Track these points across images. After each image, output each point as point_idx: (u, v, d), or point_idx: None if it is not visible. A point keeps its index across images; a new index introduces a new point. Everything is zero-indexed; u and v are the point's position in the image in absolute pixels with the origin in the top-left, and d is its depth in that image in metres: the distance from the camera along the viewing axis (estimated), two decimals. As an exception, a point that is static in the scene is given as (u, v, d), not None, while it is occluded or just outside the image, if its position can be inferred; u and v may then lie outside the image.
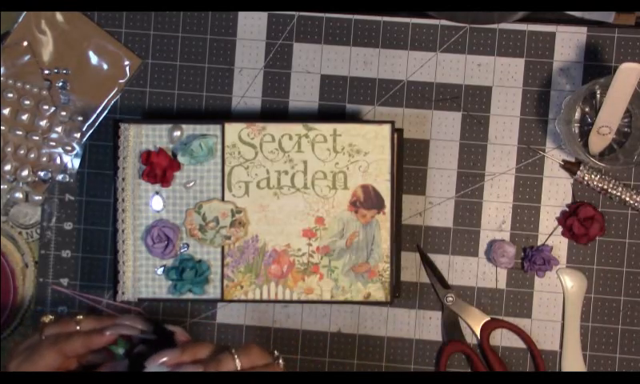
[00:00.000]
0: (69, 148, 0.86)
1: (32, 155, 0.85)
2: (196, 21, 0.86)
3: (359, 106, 0.85)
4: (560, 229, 0.84)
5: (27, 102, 0.85)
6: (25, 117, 0.85)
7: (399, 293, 0.83)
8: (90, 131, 0.86)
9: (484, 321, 0.84)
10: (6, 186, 0.85)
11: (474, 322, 0.84)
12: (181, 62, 0.86)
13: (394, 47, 0.85)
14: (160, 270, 0.82)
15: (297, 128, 0.81)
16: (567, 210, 0.84)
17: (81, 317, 0.74)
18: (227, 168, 0.81)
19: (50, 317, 0.75)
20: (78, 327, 0.73)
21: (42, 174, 0.86)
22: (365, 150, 0.80)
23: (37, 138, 0.85)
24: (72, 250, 0.86)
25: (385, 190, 0.81)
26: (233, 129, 0.81)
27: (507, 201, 0.85)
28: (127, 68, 0.86)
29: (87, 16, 0.86)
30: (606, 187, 0.83)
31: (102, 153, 0.86)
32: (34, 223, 0.86)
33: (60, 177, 0.86)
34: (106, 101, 0.86)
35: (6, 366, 0.71)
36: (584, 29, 0.84)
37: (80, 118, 0.86)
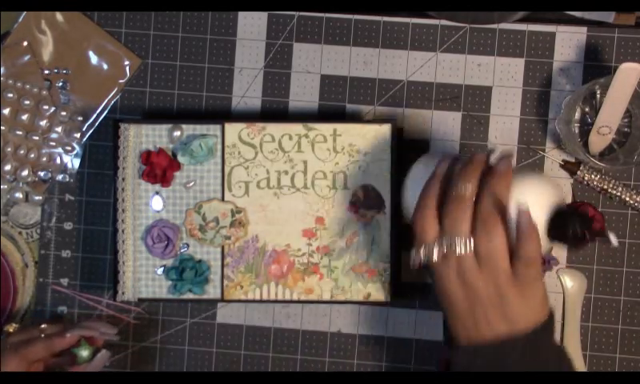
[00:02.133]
0: (69, 148, 0.86)
1: (32, 155, 0.85)
2: (196, 21, 0.86)
3: (359, 106, 0.85)
4: (560, 229, 0.84)
5: (27, 102, 0.85)
6: (25, 117, 0.85)
7: (399, 293, 0.83)
8: (90, 131, 0.86)
9: (484, 321, 0.84)
10: (6, 186, 0.85)
11: (474, 322, 0.84)
12: (181, 62, 0.86)
13: (394, 47, 0.85)
14: (160, 270, 0.82)
15: (297, 128, 0.81)
16: (567, 210, 0.84)
17: (45, 325, 0.77)
18: (227, 168, 0.81)
19: (15, 325, 0.77)
20: (42, 335, 0.75)
21: (42, 174, 0.86)
22: (365, 150, 0.80)
23: (37, 137, 0.85)
24: (72, 249, 0.86)
25: (385, 190, 0.81)
26: (233, 129, 0.81)
27: (507, 201, 0.85)
28: (127, 68, 0.86)
29: (87, 16, 0.86)
30: (605, 187, 0.83)
31: (101, 153, 0.86)
32: (34, 223, 0.86)
33: (60, 177, 0.86)
34: (106, 101, 0.86)
35: None
36: (584, 29, 0.84)
37: (80, 118, 0.86)
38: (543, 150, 0.85)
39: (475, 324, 0.60)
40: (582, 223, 0.55)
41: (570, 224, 0.56)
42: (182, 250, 0.81)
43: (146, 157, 0.80)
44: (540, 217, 0.58)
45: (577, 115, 0.82)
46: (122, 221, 0.81)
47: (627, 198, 0.83)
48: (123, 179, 0.81)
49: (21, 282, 0.86)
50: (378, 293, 0.81)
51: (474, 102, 0.85)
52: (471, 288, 0.60)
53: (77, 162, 0.86)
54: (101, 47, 0.86)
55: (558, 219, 0.58)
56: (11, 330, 0.77)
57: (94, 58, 0.86)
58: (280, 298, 0.82)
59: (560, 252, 0.84)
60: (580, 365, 0.84)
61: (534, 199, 0.58)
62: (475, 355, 0.60)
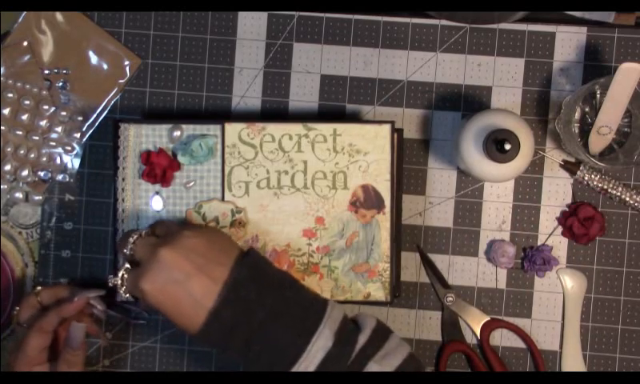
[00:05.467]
0: (69, 148, 0.86)
1: (32, 155, 0.85)
2: (196, 21, 0.86)
3: (359, 106, 0.85)
4: (560, 229, 0.84)
5: (27, 102, 0.85)
6: (25, 117, 0.85)
7: (399, 293, 0.83)
8: (90, 131, 0.86)
9: (484, 321, 0.84)
10: (6, 186, 0.85)
11: (473, 321, 0.84)
12: (181, 62, 0.86)
13: (394, 47, 0.85)
14: (160, 270, 0.82)
15: (297, 128, 0.81)
16: (567, 209, 0.84)
17: (39, 288, 0.78)
18: (227, 168, 0.81)
19: (16, 308, 0.78)
20: (38, 298, 0.77)
21: (41, 173, 0.86)
22: (365, 150, 0.80)
23: (37, 137, 0.85)
24: (72, 249, 0.86)
25: (385, 190, 0.81)
26: (233, 129, 0.81)
27: (507, 201, 0.85)
28: (127, 68, 0.86)
29: (87, 16, 0.86)
30: (605, 187, 0.83)
31: (101, 153, 0.86)
32: (34, 223, 0.86)
33: (60, 177, 0.86)
34: (106, 101, 0.86)
35: (10, 365, 0.75)
36: (584, 29, 0.84)
37: (80, 118, 0.86)
38: (543, 150, 0.85)
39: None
40: (498, 142, 0.73)
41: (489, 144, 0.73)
42: (182, 250, 0.81)
43: (146, 157, 0.80)
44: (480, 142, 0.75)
45: (577, 115, 0.82)
46: (122, 221, 0.81)
47: (627, 198, 0.83)
48: (123, 179, 0.81)
49: (21, 282, 0.86)
50: (377, 293, 0.81)
51: (474, 101, 0.85)
52: None
53: (77, 162, 0.86)
54: (101, 47, 0.86)
55: (487, 141, 0.73)
56: (15, 313, 0.78)
57: (93, 58, 0.86)
58: (280, 297, 0.81)
59: (560, 252, 0.84)
60: (580, 365, 0.84)
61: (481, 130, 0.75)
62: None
